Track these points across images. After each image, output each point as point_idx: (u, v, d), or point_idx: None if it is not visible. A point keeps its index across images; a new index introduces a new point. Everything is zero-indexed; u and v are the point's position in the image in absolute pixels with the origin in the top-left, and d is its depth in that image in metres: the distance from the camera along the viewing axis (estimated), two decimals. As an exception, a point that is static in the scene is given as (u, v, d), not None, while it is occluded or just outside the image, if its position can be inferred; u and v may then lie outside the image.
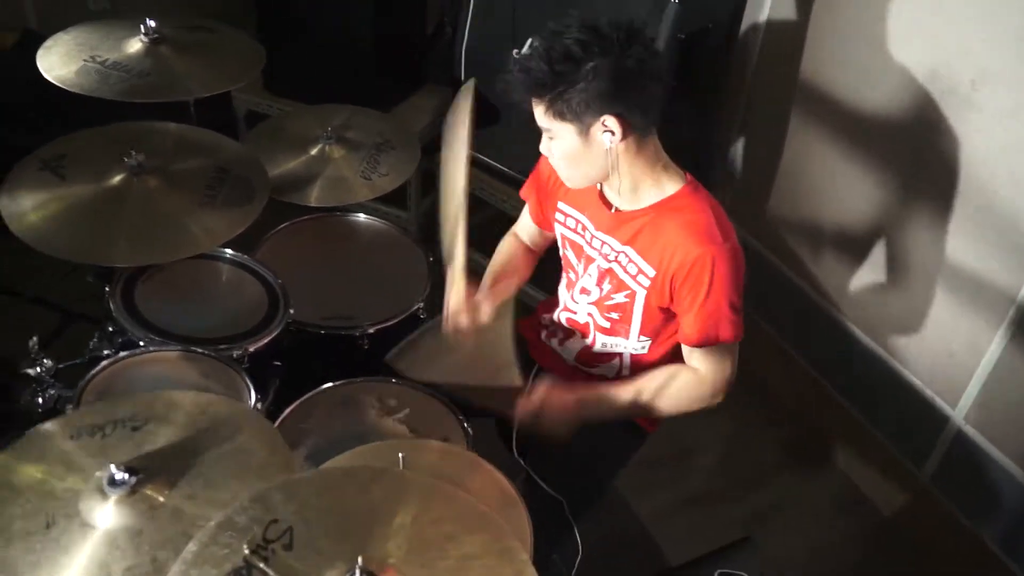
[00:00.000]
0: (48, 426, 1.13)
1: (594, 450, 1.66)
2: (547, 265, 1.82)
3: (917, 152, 2.00)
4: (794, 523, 2.26)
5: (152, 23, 1.79)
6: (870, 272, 2.21)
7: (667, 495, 2.29)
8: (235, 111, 2.90)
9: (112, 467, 1.02)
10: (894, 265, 2.14)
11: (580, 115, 1.37)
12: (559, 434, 1.53)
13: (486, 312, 1.61)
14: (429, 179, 2.84)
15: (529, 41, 1.39)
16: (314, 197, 1.93)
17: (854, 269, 2.25)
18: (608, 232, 1.55)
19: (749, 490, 2.35)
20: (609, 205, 1.54)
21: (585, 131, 1.39)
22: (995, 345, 1.91)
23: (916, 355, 2.14)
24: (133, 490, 1.03)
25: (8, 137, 2.27)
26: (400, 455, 1.16)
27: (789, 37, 2.27)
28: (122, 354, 1.45)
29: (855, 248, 2.23)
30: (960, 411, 2.04)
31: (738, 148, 2.57)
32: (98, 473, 1.04)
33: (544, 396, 1.53)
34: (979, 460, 2.01)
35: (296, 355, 1.81)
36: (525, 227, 1.79)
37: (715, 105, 2.52)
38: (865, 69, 2.08)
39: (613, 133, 1.39)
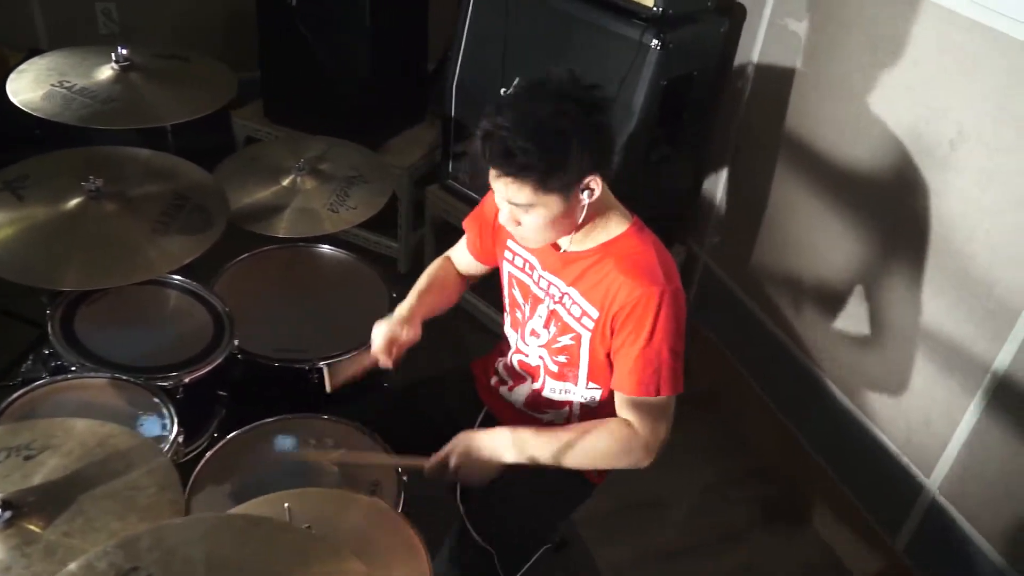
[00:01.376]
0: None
1: (533, 501, 1.62)
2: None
3: (896, 211, 1.95)
4: (765, 584, 2.19)
5: (124, 51, 1.82)
6: (847, 329, 2.14)
7: (631, 546, 2.22)
8: (235, 136, 2.94)
9: (-13, 499, 1.02)
10: (871, 324, 2.07)
11: (569, 184, 1.35)
12: (474, 480, 1.49)
13: (412, 333, 1.61)
14: (420, 211, 2.85)
15: (504, 100, 1.34)
16: (282, 229, 1.94)
17: (832, 325, 2.19)
18: (554, 272, 1.52)
19: (720, 547, 2.26)
20: (557, 246, 1.51)
21: (569, 196, 1.37)
22: (969, 415, 1.84)
23: (892, 419, 2.06)
24: (9, 523, 1.02)
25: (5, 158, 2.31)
26: (286, 505, 1.13)
27: (775, 89, 2.23)
28: (41, 380, 1.45)
29: (834, 304, 2.17)
30: (935, 481, 1.95)
31: (721, 195, 2.53)
32: (-27, 505, 1.03)
33: (456, 443, 1.50)
34: (952, 534, 1.92)
35: (247, 385, 1.80)
36: (461, 256, 1.77)
37: (699, 152, 2.49)
38: (847, 124, 2.04)
39: (593, 190, 1.38)
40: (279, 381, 1.82)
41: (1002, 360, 1.73)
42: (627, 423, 1.46)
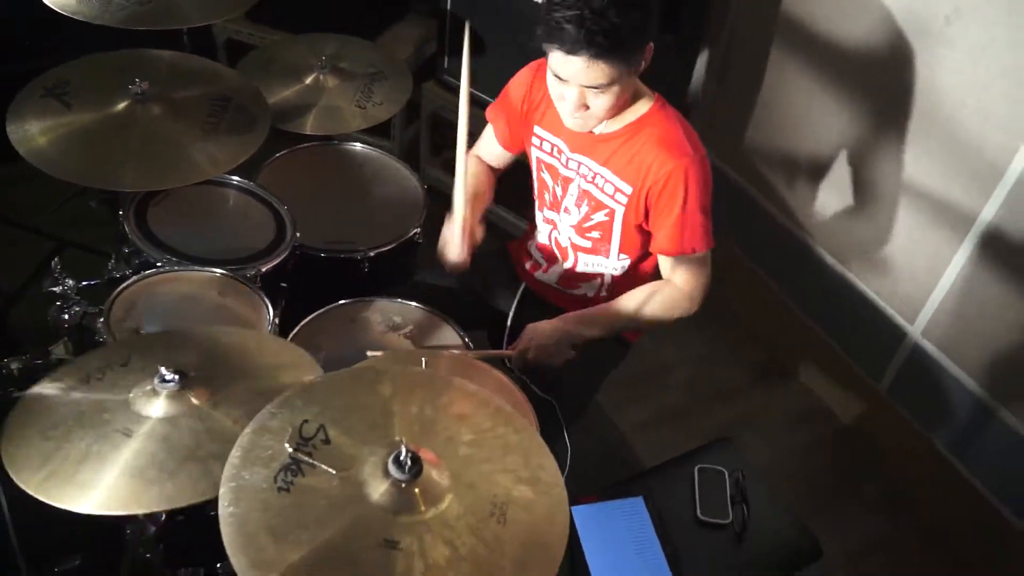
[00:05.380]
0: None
1: (582, 358, 1.77)
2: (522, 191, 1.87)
3: (890, 85, 2.09)
4: (760, 432, 2.42)
5: (153, -47, 1.79)
6: (840, 200, 2.32)
7: (644, 409, 2.44)
8: (215, 38, 2.88)
9: (162, 369, 1.14)
10: (862, 193, 2.25)
11: (642, 55, 1.42)
12: (553, 363, 1.62)
13: (479, 234, 1.68)
14: (413, 109, 2.87)
15: None
16: (310, 125, 1.98)
17: (825, 197, 2.36)
18: (584, 153, 1.62)
19: (719, 405, 2.50)
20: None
21: (637, 69, 1.44)
22: (953, 265, 2.04)
23: (880, 276, 2.27)
24: (180, 390, 1.14)
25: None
26: (423, 360, 1.27)
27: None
28: (147, 272, 1.52)
29: (826, 177, 2.33)
30: (918, 327, 2.18)
31: (715, 78, 2.63)
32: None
33: (529, 334, 1.61)
34: (934, 372, 2.16)
35: (300, 277, 1.88)
36: (489, 150, 1.82)
37: (695, 36, 2.58)
38: (843, 2, 2.15)
39: (645, 61, 1.45)
40: (329, 271, 1.90)
41: (987, 213, 1.93)
42: (668, 282, 1.64)
